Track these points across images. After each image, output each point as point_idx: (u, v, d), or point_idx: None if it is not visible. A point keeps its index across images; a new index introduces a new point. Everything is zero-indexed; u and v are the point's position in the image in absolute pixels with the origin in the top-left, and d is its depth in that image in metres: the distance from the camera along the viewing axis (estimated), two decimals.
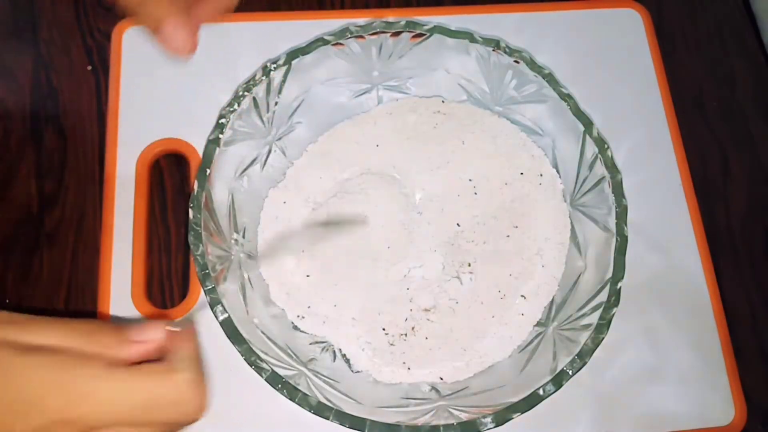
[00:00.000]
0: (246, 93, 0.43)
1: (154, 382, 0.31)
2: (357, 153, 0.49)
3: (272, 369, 0.38)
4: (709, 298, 0.49)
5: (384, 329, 0.44)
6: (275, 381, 0.38)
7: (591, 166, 0.44)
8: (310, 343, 0.44)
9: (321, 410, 0.37)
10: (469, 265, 0.46)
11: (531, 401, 0.38)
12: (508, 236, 0.47)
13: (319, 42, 0.45)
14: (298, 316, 0.45)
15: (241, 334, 0.38)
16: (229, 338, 0.38)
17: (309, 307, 0.45)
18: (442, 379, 0.44)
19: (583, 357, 0.39)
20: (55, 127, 0.52)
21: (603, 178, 0.43)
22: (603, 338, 0.39)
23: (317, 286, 0.45)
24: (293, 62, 0.44)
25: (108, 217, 0.48)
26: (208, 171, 0.42)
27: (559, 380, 0.38)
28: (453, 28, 0.46)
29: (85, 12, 0.55)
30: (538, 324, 0.45)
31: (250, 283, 0.44)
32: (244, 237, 0.45)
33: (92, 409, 0.29)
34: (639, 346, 0.47)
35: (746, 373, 0.48)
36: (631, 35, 0.56)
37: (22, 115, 0.52)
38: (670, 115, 0.54)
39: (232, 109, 0.43)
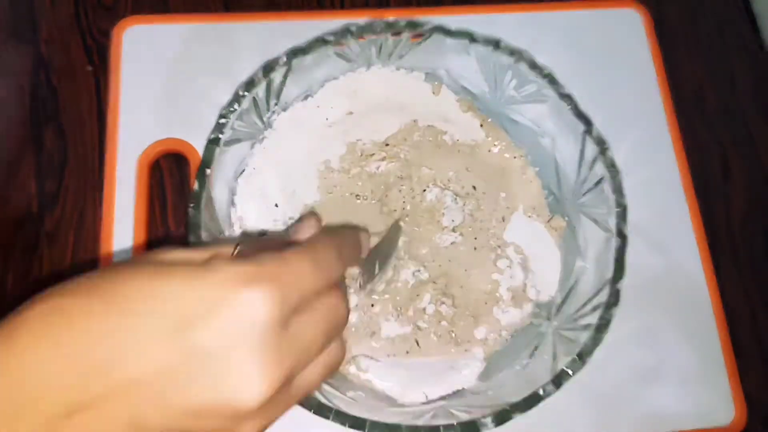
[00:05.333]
0: (246, 93, 0.43)
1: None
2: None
3: None
4: (709, 298, 0.49)
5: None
6: None
7: (591, 166, 0.44)
8: None
9: (321, 410, 0.37)
10: (466, 270, 0.46)
11: (531, 401, 0.38)
12: (498, 231, 0.47)
13: (319, 42, 0.45)
14: None
15: None
16: None
17: None
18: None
19: (583, 357, 0.39)
20: (55, 127, 0.52)
21: (603, 178, 0.43)
22: (603, 338, 0.39)
23: None
24: (293, 62, 0.44)
25: (108, 217, 0.48)
26: (208, 171, 0.41)
27: (559, 380, 0.38)
28: (453, 28, 0.46)
29: (85, 12, 0.55)
30: (539, 324, 0.45)
31: None
32: None
33: None
34: (639, 346, 0.47)
35: (746, 373, 0.48)
36: (631, 35, 0.56)
37: (22, 115, 0.52)
38: (670, 115, 0.54)
39: (232, 109, 0.43)
